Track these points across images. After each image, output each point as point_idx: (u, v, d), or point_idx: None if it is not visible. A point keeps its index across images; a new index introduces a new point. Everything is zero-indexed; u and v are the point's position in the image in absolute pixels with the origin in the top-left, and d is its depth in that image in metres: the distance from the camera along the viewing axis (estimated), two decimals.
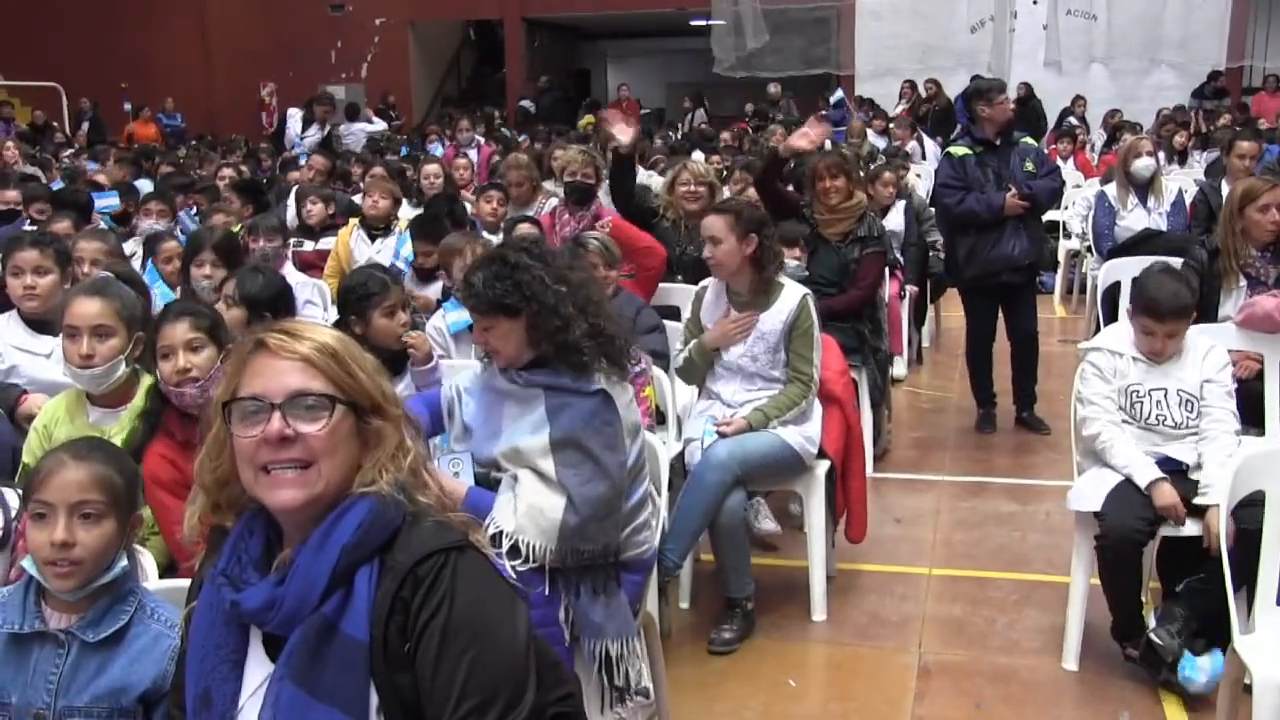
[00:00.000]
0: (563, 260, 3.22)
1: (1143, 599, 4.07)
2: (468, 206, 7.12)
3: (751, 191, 6.48)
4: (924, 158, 12.87)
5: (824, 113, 8.22)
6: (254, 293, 4.17)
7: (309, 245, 6.94)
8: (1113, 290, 6.77)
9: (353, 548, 1.75)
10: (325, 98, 15.48)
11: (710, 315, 4.43)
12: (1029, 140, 6.73)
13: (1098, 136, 15.52)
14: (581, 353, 3.02)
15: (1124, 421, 3.96)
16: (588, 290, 3.14)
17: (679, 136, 15.28)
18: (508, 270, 3.05)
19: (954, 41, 18.48)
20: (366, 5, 21.41)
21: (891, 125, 14.43)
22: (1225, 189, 6.61)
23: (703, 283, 4.60)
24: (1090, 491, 3.87)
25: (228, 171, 9.37)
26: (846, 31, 19.39)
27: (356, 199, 8.59)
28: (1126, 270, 6.75)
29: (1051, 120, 16.50)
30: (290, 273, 5.67)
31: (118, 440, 3.17)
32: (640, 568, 3.22)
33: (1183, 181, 8.66)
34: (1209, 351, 3.99)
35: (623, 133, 5.90)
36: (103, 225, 6.80)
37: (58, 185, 9.20)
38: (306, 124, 14.84)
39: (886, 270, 6.59)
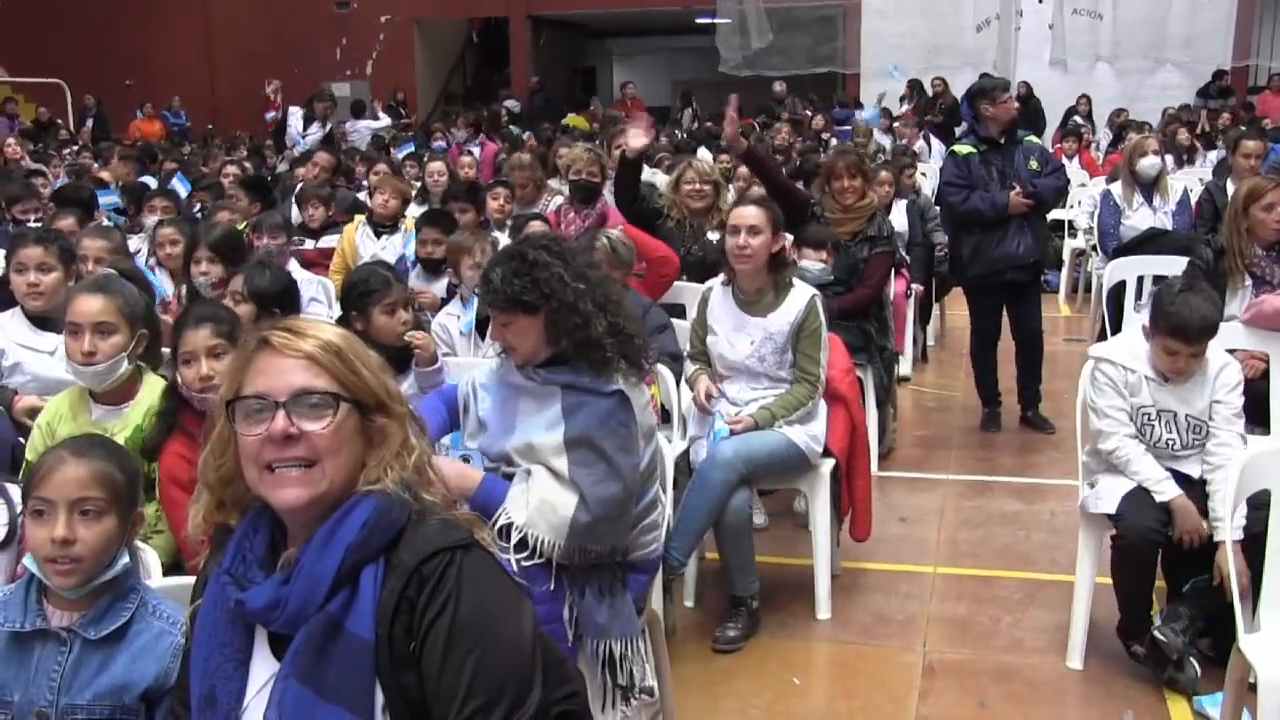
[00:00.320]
0: (582, 258, 3.22)
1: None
2: None
3: (756, 189, 6.47)
4: (930, 156, 12.86)
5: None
6: (263, 288, 4.17)
7: (310, 244, 6.94)
8: (1118, 289, 6.77)
9: (358, 546, 1.74)
10: (326, 95, 15.46)
11: (716, 315, 4.42)
12: (1033, 139, 6.72)
13: (1103, 136, 15.51)
14: (604, 349, 3.01)
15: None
16: (606, 288, 3.13)
17: (683, 135, 15.26)
18: (526, 267, 3.03)
19: (960, 40, 18.44)
20: (371, 2, 21.40)
21: (897, 124, 14.41)
22: (1231, 188, 6.59)
23: (708, 283, 4.59)
24: (1106, 494, 3.87)
25: (232, 169, 9.36)
26: (852, 30, 19.37)
27: (361, 196, 8.60)
28: (1132, 269, 6.77)
29: (1057, 119, 16.47)
30: (294, 270, 5.67)
31: (120, 438, 3.17)
32: (647, 567, 3.22)
33: (1188, 181, 8.64)
34: (1222, 370, 3.84)
35: (635, 138, 5.89)
36: (106, 222, 6.80)
37: (60, 183, 9.20)
38: (308, 122, 14.84)
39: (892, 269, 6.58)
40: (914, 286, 7.73)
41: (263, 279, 4.23)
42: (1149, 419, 3.86)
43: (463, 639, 1.71)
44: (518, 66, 21.74)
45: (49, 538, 2.16)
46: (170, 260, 5.60)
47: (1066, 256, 10.51)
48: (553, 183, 8.00)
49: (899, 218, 7.92)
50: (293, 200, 8.00)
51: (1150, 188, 7.47)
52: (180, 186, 8.37)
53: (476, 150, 12.49)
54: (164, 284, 5.50)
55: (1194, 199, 7.44)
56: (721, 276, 4.50)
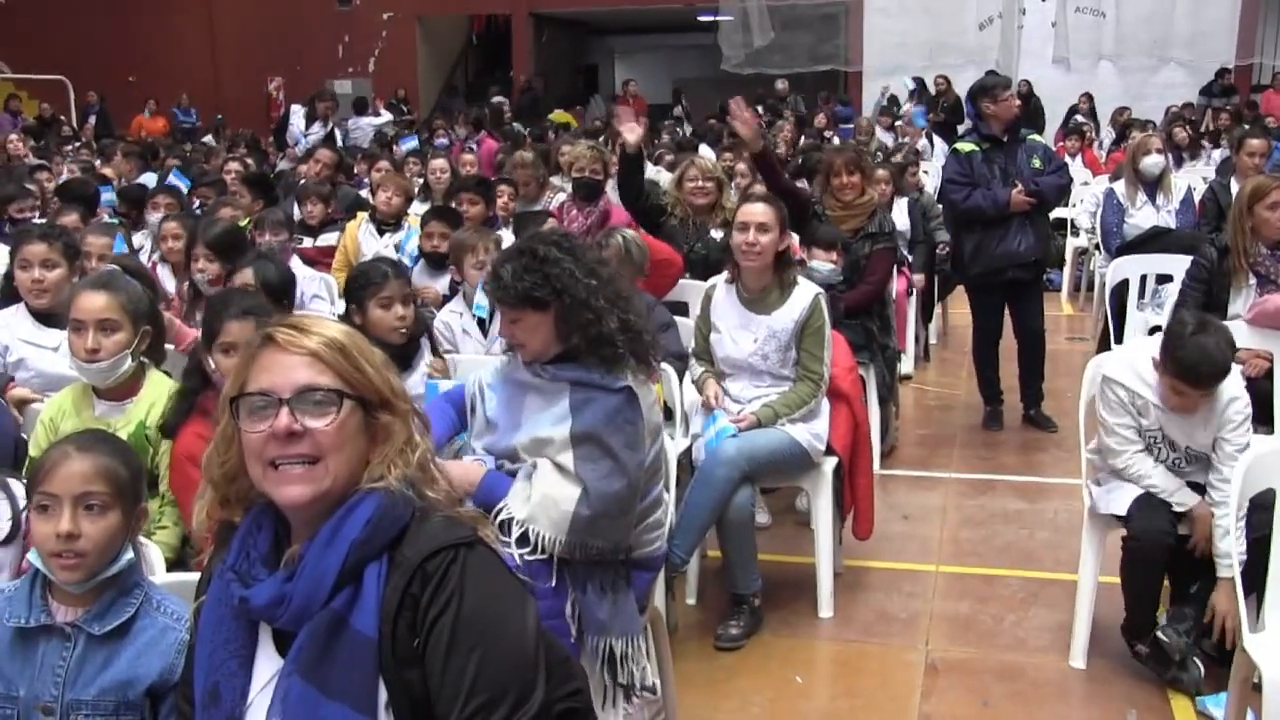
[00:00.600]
0: (592, 254, 3.21)
1: None
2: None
3: (758, 187, 6.47)
4: (933, 155, 12.85)
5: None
6: (275, 280, 4.21)
7: (309, 242, 6.93)
8: (1121, 288, 6.76)
9: (362, 543, 1.74)
10: (328, 94, 15.46)
11: (720, 313, 4.42)
12: (1036, 137, 6.72)
13: (1106, 134, 15.49)
14: (615, 345, 3.00)
15: None
16: (617, 285, 3.12)
17: (685, 134, 15.27)
18: (537, 263, 3.02)
19: (962, 39, 18.46)
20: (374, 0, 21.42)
21: (899, 123, 14.41)
22: (1234, 187, 6.59)
23: (711, 280, 4.59)
24: (1116, 494, 3.87)
25: (234, 166, 9.37)
26: (855, 28, 19.37)
27: (363, 194, 8.60)
28: (1135, 268, 6.76)
29: (1059, 117, 16.46)
30: (296, 266, 5.67)
31: (123, 434, 3.17)
32: (651, 565, 3.22)
33: (1192, 179, 8.63)
34: (1229, 404, 3.72)
35: (630, 131, 5.89)
36: (107, 219, 6.81)
37: (64, 178, 9.19)
38: (310, 120, 14.83)
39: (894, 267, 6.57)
40: (915, 277, 7.72)
41: (273, 272, 4.25)
42: (1155, 440, 3.85)
43: (466, 636, 1.71)
44: (519, 64, 21.75)
45: (54, 532, 2.16)
46: (173, 255, 5.62)
47: (1069, 255, 10.50)
48: (555, 180, 7.99)
49: (901, 216, 7.92)
50: (294, 198, 8.00)
51: (1154, 186, 7.46)
52: (178, 182, 8.38)
53: (475, 147, 12.47)
54: (167, 280, 5.51)
55: (1197, 197, 7.42)
56: (725, 274, 4.50)
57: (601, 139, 10.81)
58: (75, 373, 3.47)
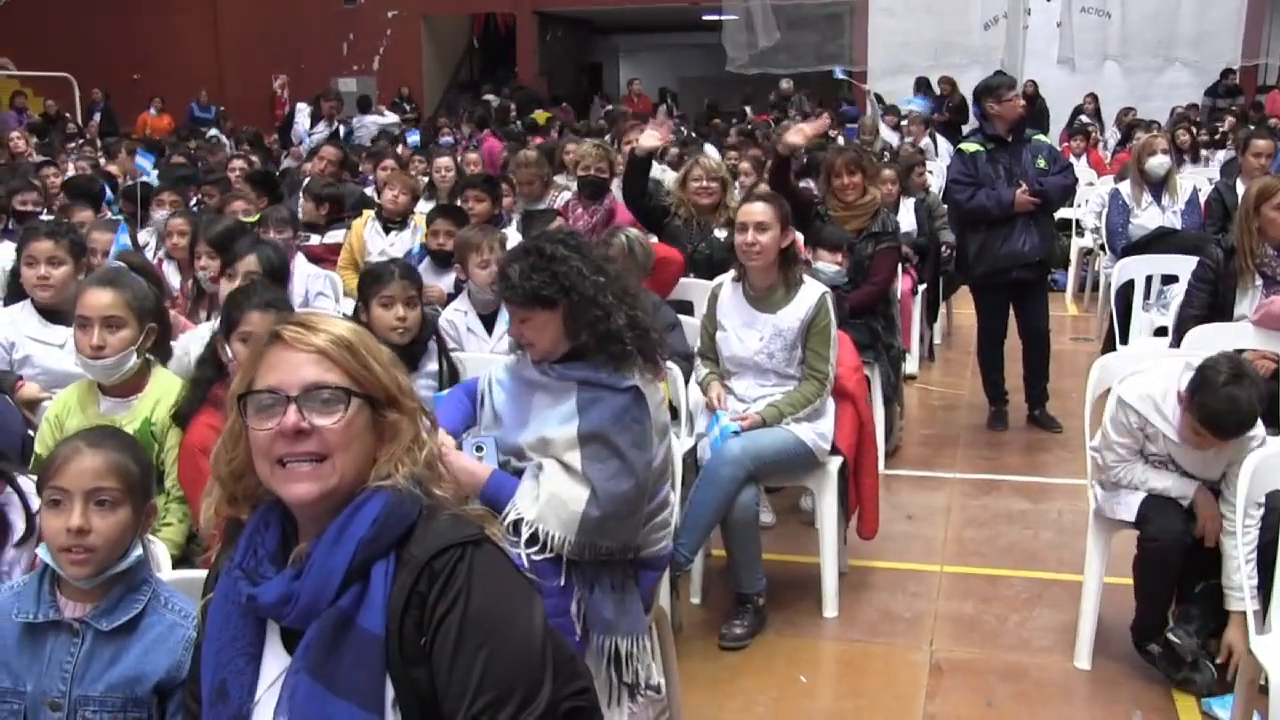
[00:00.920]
0: (599, 252, 3.21)
1: None
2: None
3: (763, 186, 6.46)
4: (937, 155, 12.85)
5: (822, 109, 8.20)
6: (278, 264, 4.25)
7: (315, 239, 6.94)
8: (1126, 288, 6.75)
9: (369, 542, 1.74)
10: (333, 94, 15.47)
11: (726, 311, 4.42)
12: (1041, 137, 6.71)
13: (1111, 134, 15.47)
14: (623, 342, 3.00)
15: None
16: (624, 282, 3.12)
17: (688, 132, 15.27)
18: (544, 262, 3.02)
19: (967, 38, 18.43)
20: None
21: (904, 122, 14.40)
22: (1240, 187, 6.58)
23: (717, 279, 4.59)
24: (1125, 499, 3.86)
25: (238, 163, 9.37)
26: (859, 28, 19.35)
27: (368, 191, 8.60)
28: (1140, 269, 6.75)
29: (1064, 118, 16.44)
30: (301, 264, 5.68)
31: (129, 431, 3.17)
32: (657, 565, 3.22)
33: (1197, 180, 8.62)
34: (1248, 440, 3.61)
35: (648, 138, 5.88)
36: (110, 216, 6.82)
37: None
38: (315, 119, 14.85)
39: (899, 266, 6.57)
40: (911, 266, 7.71)
41: (276, 255, 4.30)
42: (1159, 464, 3.84)
43: (473, 634, 1.71)
44: (524, 62, 21.73)
45: (64, 527, 2.17)
46: (178, 252, 5.62)
47: (1074, 255, 10.49)
48: (559, 179, 7.99)
49: (907, 216, 7.92)
50: (299, 195, 8.01)
51: (1159, 187, 7.44)
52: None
53: (476, 146, 12.47)
54: (173, 276, 5.51)
55: (1203, 198, 7.42)
56: (732, 273, 4.50)
57: (607, 138, 10.82)
58: (81, 369, 3.47)
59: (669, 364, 4.33)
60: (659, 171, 8.35)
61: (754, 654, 4.17)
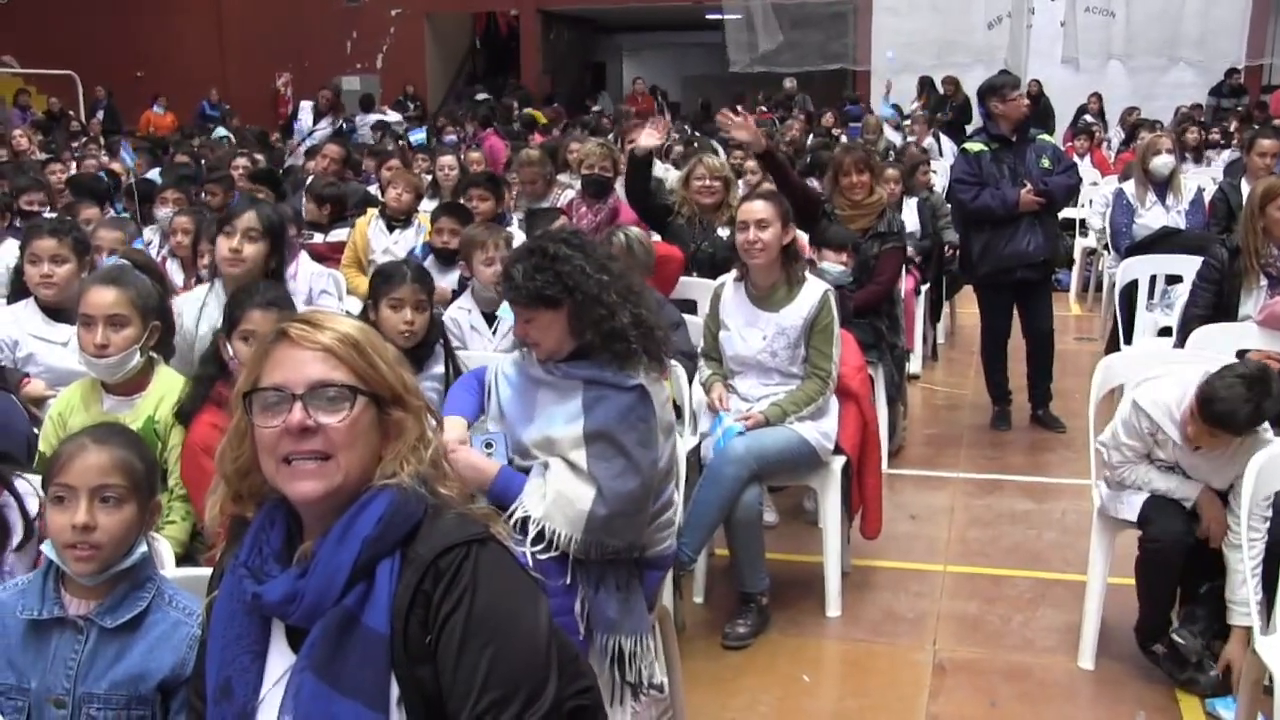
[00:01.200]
0: (603, 250, 3.21)
1: None
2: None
3: (767, 185, 6.46)
4: (940, 154, 12.83)
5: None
6: (276, 223, 4.18)
7: (319, 237, 6.94)
8: (1130, 289, 6.75)
9: (374, 540, 1.74)
10: (331, 89, 15.46)
11: (729, 310, 4.41)
12: (1046, 137, 6.71)
13: (1115, 134, 15.45)
14: (628, 340, 3.00)
15: None
16: (628, 280, 3.12)
17: (692, 131, 15.27)
18: (548, 261, 3.02)
19: (971, 38, 18.41)
20: None
21: (908, 122, 14.40)
22: (1245, 187, 6.57)
23: (720, 279, 4.59)
24: (1128, 499, 3.86)
25: (242, 161, 9.37)
26: (863, 27, 19.34)
27: (372, 190, 8.60)
28: (1144, 268, 6.74)
29: (1068, 117, 16.43)
30: (305, 262, 5.67)
31: (132, 429, 3.17)
32: (661, 564, 3.21)
33: (1201, 180, 8.61)
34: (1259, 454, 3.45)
35: (647, 137, 5.88)
36: (113, 214, 6.83)
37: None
38: (319, 116, 14.85)
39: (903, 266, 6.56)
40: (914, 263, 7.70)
41: (275, 214, 4.24)
42: (1165, 470, 3.83)
43: (478, 633, 1.70)
44: (528, 61, 21.73)
45: (69, 524, 2.17)
46: (182, 249, 5.62)
47: (1078, 255, 10.48)
48: (563, 177, 7.99)
49: (910, 216, 7.91)
50: (303, 194, 8.00)
51: (1163, 186, 7.43)
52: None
53: (479, 144, 12.46)
54: (176, 275, 5.51)
55: (1207, 198, 7.40)
56: (734, 272, 4.50)
57: (610, 136, 10.81)
58: (84, 368, 3.47)
59: (672, 363, 4.33)
60: (662, 170, 8.35)
61: (757, 653, 4.17)
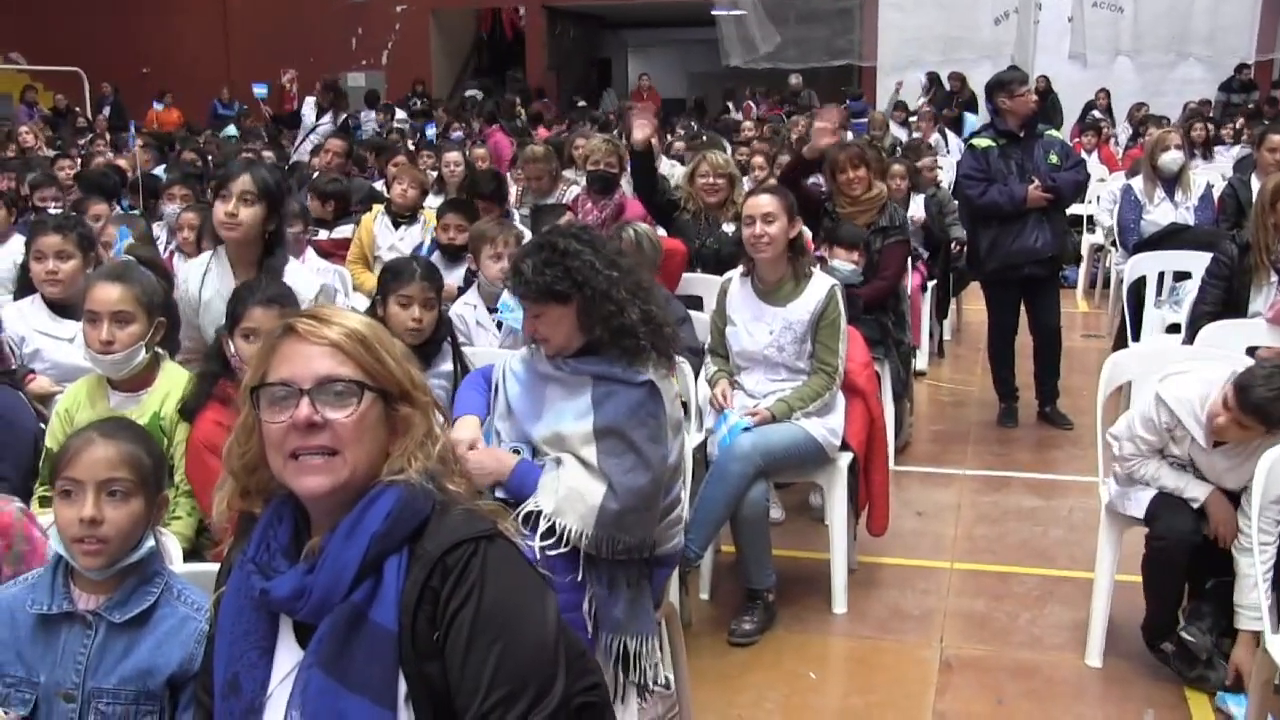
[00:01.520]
0: (612, 246, 3.21)
1: None
2: None
3: (772, 182, 6.44)
4: (947, 150, 12.81)
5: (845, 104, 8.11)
6: (273, 185, 4.07)
7: (324, 234, 6.94)
8: (1138, 285, 6.73)
9: (382, 536, 1.73)
10: (329, 84, 15.44)
11: (735, 305, 4.41)
12: (1054, 133, 6.68)
13: (1122, 130, 15.42)
14: (637, 337, 3.00)
15: None
16: (637, 276, 3.12)
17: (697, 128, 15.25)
18: (557, 257, 3.01)
19: (978, 34, 18.37)
20: None
21: (913, 118, 14.37)
22: (1255, 183, 6.54)
23: (727, 275, 4.58)
24: (1135, 495, 3.85)
25: (246, 157, 9.35)
26: (869, 23, 19.30)
27: (378, 185, 8.59)
28: (1152, 265, 6.72)
29: (1075, 113, 16.39)
30: (311, 258, 5.67)
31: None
32: (669, 561, 3.21)
33: (1211, 176, 8.58)
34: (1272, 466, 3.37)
35: (640, 129, 5.87)
36: (120, 211, 6.82)
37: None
38: (321, 112, 14.83)
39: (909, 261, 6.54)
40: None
41: (272, 176, 4.15)
42: (1178, 465, 3.81)
43: (486, 630, 1.70)
44: (533, 57, 21.71)
45: (77, 517, 2.17)
46: (188, 245, 5.62)
47: (1085, 251, 10.46)
48: (568, 173, 7.98)
49: (917, 212, 7.89)
50: (308, 189, 8.00)
51: (1172, 183, 7.42)
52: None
53: (483, 141, 12.45)
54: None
55: (1217, 194, 7.38)
56: (740, 268, 4.49)
57: (615, 132, 10.79)
58: (90, 364, 3.47)
59: (679, 359, 4.32)
60: (667, 167, 8.34)
61: (763, 650, 4.17)
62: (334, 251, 6.62)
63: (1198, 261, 5.68)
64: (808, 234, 5.10)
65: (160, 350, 3.50)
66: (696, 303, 5.23)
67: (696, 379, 4.47)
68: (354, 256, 6.59)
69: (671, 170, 8.35)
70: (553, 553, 2.90)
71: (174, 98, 18.99)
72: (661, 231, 5.79)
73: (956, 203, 7.89)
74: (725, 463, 4.11)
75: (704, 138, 10.16)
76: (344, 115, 14.91)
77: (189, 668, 2.15)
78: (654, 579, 3.13)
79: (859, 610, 4.45)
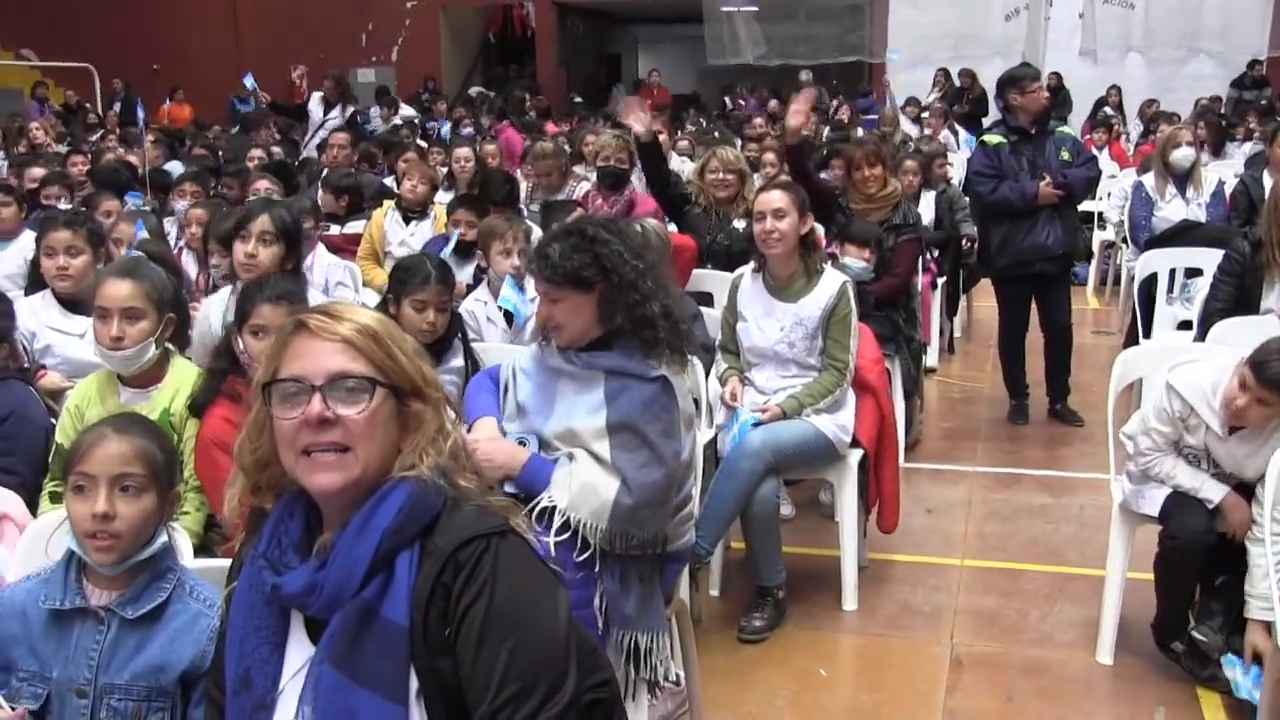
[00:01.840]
0: (638, 239, 3.20)
1: None
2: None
3: (784, 178, 6.44)
4: (958, 147, 12.77)
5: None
6: (290, 224, 4.18)
7: (335, 229, 6.94)
8: (1149, 282, 6.71)
9: (394, 532, 1.73)
10: (335, 79, 15.48)
11: (746, 301, 4.40)
12: (1065, 129, 6.66)
13: (1134, 127, 15.36)
14: (656, 329, 2.99)
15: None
16: (660, 271, 3.11)
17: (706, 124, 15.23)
18: (586, 243, 3.00)
19: (988, 30, 18.31)
20: None
21: (925, 114, 14.33)
22: (1267, 180, 6.52)
23: (738, 271, 4.58)
24: (1149, 493, 3.84)
25: (257, 153, 9.37)
26: (880, 19, 19.26)
27: (388, 182, 8.60)
28: (1164, 262, 6.70)
29: (1086, 110, 16.33)
30: (321, 254, 5.67)
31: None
32: (680, 557, 3.21)
33: (1223, 173, 8.55)
34: None
35: (638, 121, 5.87)
36: (131, 207, 6.83)
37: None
38: (328, 107, 14.84)
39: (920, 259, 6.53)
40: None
41: (290, 215, 4.24)
42: (1195, 457, 3.78)
43: (498, 626, 1.70)
44: (543, 53, 21.70)
45: (89, 512, 2.17)
46: (197, 242, 5.62)
47: (1096, 248, 10.43)
48: (578, 169, 7.98)
49: (927, 208, 7.87)
50: (319, 185, 8.00)
51: (1183, 179, 7.39)
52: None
53: (494, 137, 12.44)
54: (192, 266, 5.52)
55: (1228, 191, 7.35)
56: (752, 264, 4.48)
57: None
58: (101, 359, 3.47)
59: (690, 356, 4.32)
60: (678, 162, 8.34)
61: (773, 647, 4.17)
62: (345, 247, 6.63)
63: (1209, 258, 5.66)
64: (820, 230, 5.10)
65: (170, 346, 3.51)
66: (707, 299, 5.23)
67: (708, 376, 4.46)
68: (364, 252, 6.59)
69: (682, 165, 8.35)
70: (568, 550, 2.89)
71: (185, 94, 19.01)
72: (672, 227, 5.78)
73: (967, 199, 7.87)
74: (735, 459, 4.10)
75: (716, 133, 10.16)
76: (351, 109, 14.93)
77: (201, 664, 2.15)
78: (665, 575, 3.13)
79: (869, 607, 4.44)
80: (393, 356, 1.81)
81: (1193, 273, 6.56)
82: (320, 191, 7.37)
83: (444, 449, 1.81)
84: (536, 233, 5.07)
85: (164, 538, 2.27)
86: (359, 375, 1.77)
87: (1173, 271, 6.69)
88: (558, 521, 2.91)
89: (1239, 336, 4.52)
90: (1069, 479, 5.81)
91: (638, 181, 6.39)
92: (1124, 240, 8.73)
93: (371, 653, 1.70)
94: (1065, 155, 6.28)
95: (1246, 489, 3.67)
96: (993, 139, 6.40)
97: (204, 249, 5.14)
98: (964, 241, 8.14)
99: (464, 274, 5.57)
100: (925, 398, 6.75)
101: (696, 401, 4.39)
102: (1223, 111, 14.58)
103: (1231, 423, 3.63)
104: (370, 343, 1.79)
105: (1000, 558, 4.92)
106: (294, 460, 1.77)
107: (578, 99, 18.64)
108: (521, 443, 3.09)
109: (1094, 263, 10.46)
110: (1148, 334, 6.58)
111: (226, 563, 2.03)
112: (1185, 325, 6.27)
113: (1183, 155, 7.35)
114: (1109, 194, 10.00)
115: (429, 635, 1.71)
